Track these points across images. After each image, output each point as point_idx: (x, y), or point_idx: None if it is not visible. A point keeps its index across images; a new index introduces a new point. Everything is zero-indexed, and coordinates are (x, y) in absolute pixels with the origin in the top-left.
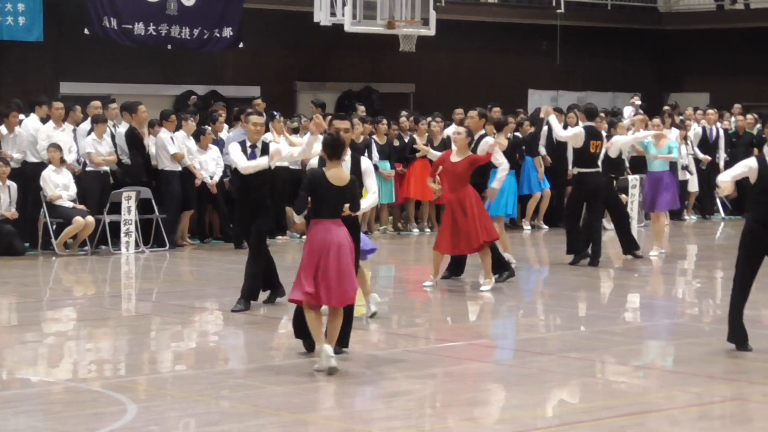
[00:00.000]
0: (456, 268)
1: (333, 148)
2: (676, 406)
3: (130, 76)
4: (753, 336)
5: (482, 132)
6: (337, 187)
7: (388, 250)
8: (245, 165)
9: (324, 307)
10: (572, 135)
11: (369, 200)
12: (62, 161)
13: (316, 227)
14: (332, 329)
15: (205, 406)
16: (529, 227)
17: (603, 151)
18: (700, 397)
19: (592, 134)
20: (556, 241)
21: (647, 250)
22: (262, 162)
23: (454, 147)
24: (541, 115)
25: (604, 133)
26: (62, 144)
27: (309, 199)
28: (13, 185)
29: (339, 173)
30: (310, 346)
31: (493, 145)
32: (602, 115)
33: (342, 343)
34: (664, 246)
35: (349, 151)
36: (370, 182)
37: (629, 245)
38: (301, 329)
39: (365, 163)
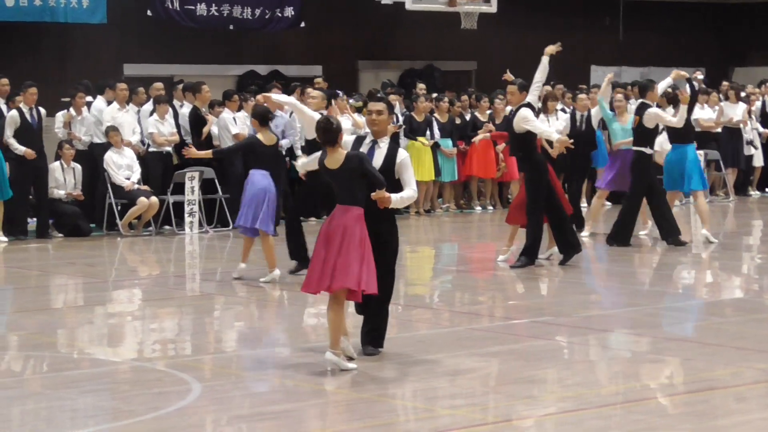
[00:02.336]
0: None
1: (324, 133)
2: (742, 383)
3: (193, 57)
4: None
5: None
6: (332, 170)
7: (451, 228)
8: None
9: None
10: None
11: (403, 194)
12: (122, 142)
13: (329, 216)
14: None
15: (268, 385)
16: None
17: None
18: (765, 373)
19: (636, 111)
20: (609, 218)
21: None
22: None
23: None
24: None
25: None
26: (126, 125)
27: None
28: (78, 167)
29: (333, 157)
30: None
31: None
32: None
33: (373, 342)
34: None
35: (387, 140)
36: (407, 176)
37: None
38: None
39: (401, 155)
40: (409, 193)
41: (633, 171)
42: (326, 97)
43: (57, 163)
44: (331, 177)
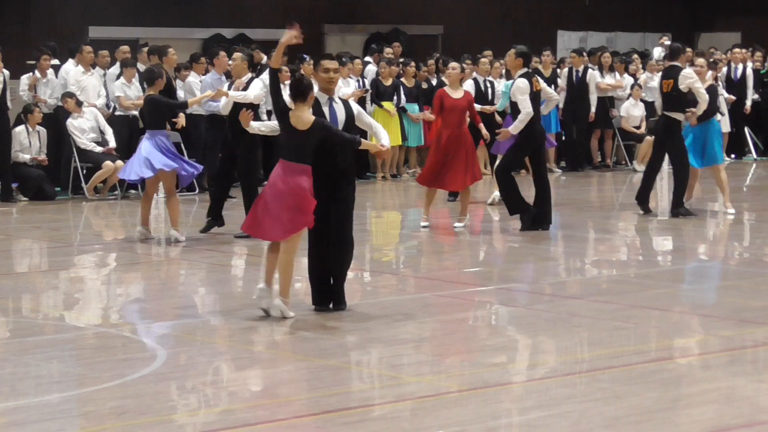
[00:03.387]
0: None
1: (296, 90)
2: (707, 351)
3: (159, 20)
4: None
5: (522, 71)
6: (297, 130)
7: (416, 192)
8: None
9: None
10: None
11: (384, 134)
12: (79, 104)
13: (275, 168)
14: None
15: (234, 351)
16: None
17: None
18: (731, 341)
19: (664, 74)
20: (581, 184)
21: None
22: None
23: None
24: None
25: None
26: (91, 88)
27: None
28: (43, 131)
29: (301, 117)
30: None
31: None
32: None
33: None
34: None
35: (338, 98)
36: (369, 119)
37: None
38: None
39: (354, 106)
40: (384, 130)
41: (666, 138)
42: (245, 58)
43: (22, 127)
44: (292, 134)
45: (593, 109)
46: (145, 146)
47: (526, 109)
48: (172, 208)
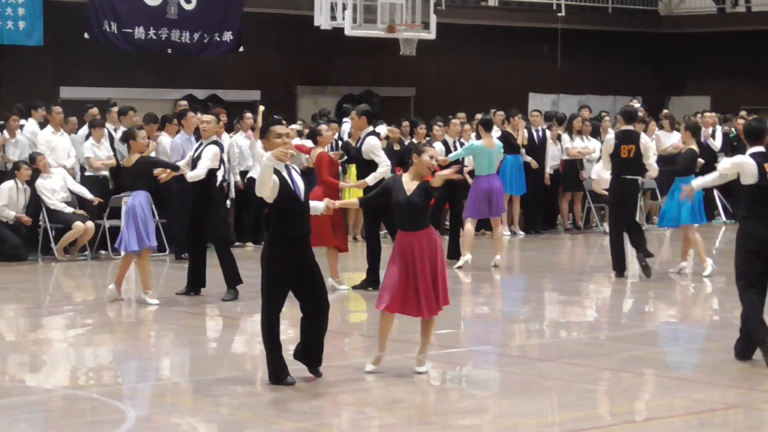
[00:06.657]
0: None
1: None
2: (677, 414)
3: (130, 81)
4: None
5: (368, 129)
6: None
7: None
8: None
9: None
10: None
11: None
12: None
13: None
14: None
15: (204, 413)
16: (509, 233)
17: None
18: (701, 404)
19: (624, 138)
20: (553, 246)
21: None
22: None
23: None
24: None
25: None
26: (61, 148)
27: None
28: (29, 189)
29: (410, 183)
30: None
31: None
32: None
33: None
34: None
35: (293, 167)
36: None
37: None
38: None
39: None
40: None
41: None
42: (218, 121)
43: (12, 182)
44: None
45: (548, 170)
46: (140, 212)
47: (386, 163)
48: (144, 269)
